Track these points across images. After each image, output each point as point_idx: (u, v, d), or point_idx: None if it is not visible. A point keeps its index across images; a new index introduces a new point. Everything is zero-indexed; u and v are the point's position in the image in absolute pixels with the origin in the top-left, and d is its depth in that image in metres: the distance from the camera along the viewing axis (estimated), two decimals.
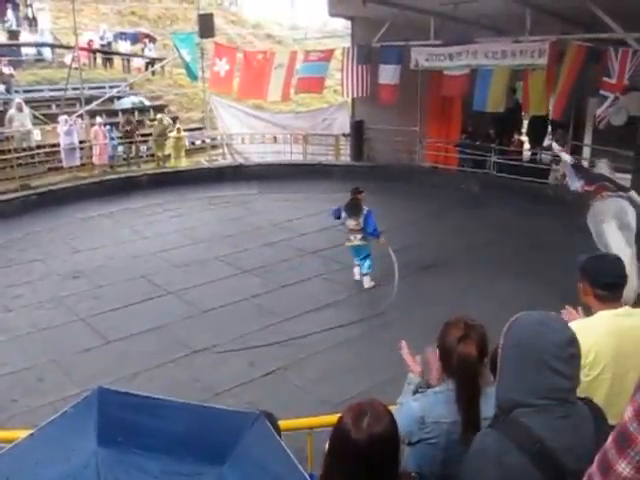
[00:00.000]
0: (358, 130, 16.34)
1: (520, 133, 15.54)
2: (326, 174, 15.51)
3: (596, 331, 2.74)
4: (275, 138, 17.51)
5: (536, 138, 14.92)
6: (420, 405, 2.44)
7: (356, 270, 8.91)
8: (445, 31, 13.17)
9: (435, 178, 14.56)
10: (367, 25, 15.14)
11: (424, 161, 15.72)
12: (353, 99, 16.44)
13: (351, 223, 8.51)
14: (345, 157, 17.16)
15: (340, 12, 16.51)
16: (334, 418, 1.91)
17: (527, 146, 15.34)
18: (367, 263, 8.68)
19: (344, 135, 17.10)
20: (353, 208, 8.48)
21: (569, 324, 2.00)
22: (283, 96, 16.26)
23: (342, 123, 17.48)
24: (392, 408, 2.44)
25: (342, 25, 22.78)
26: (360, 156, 16.47)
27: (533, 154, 14.76)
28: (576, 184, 9.39)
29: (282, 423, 2.71)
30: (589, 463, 1.55)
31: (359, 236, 8.51)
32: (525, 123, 15.44)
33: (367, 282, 8.71)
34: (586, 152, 13.13)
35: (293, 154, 17.07)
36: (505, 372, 1.89)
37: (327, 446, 1.90)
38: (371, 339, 7.17)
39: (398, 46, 14.08)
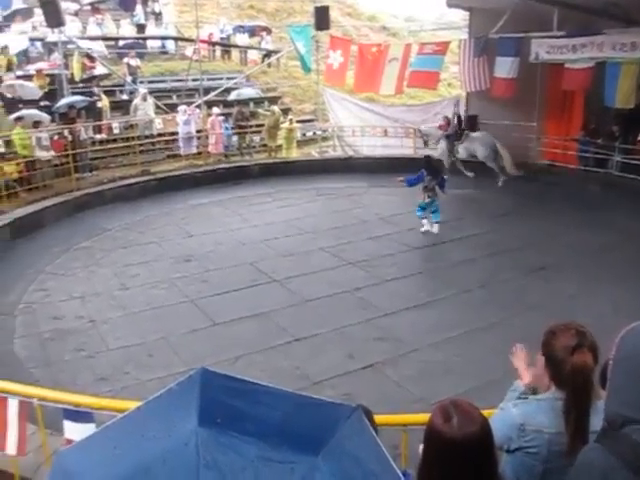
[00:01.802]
0: (472, 125, 15.92)
1: None
2: None
3: None
4: (386, 131, 17.42)
5: None
6: (520, 412, 2.35)
7: (425, 222, 10.76)
8: (569, 22, 12.53)
9: (552, 176, 13.94)
10: (485, 16, 14.70)
11: (540, 158, 15.09)
12: (468, 93, 16.06)
13: (432, 183, 10.49)
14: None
15: (458, 3, 16.15)
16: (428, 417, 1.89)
17: None
18: (438, 214, 10.66)
19: None
20: (436, 171, 10.64)
21: None
22: (396, 89, 16.15)
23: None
24: (490, 412, 2.37)
25: (459, 16, 22.27)
26: None
27: None
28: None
29: (377, 418, 2.70)
30: None
31: (431, 193, 10.55)
32: None
33: (437, 229, 10.61)
34: None
35: (403, 148, 16.93)
36: (616, 385, 1.78)
37: (422, 446, 1.89)
38: (471, 341, 6.98)
39: (517, 38, 13.57)
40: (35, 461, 3.93)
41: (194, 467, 1.39)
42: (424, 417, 3.32)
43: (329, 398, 1.69)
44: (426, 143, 15.11)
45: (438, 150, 14.30)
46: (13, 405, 3.09)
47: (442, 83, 19.62)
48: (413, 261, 9.59)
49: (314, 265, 9.44)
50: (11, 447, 3.24)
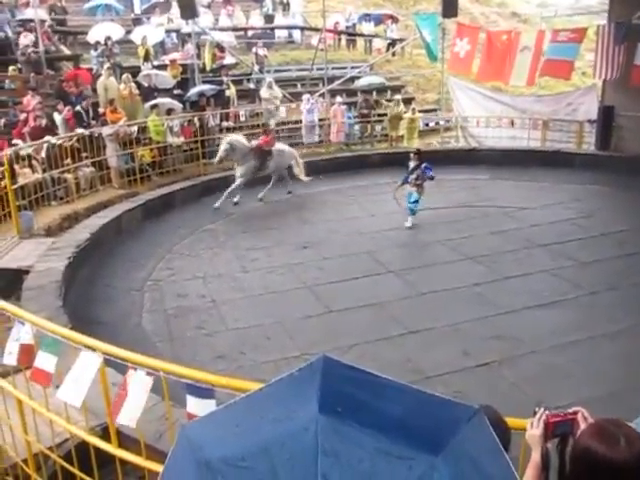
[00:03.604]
0: (607, 117, 14.96)
1: None
2: (565, 163, 14.52)
3: None
4: (512, 122, 16.76)
5: None
6: None
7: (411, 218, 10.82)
8: None
9: None
10: None
11: None
12: (604, 83, 15.08)
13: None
14: (588, 146, 15.87)
15: None
16: None
17: None
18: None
19: (589, 122, 15.79)
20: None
21: None
22: (528, 80, 15.51)
23: (588, 109, 16.15)
24: None
25: (597, 0, 20.97)
26: (607, 146, 15.10)
27: None
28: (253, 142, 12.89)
29: None
30: None
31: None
32: None
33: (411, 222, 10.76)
34: None
35: (530, 140, 16.23)
36: None
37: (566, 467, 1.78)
38: (595, 347, 6.56)
39: None
40: (157, 429, 4.16)
41: (313, 452, 1.40)
42: None
43: (445, 395, 1.63)
44: (221, 160, 12.43)
45: (242, 169, 12.26)
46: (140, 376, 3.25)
47: (576, 72, 18.52)
48: (536, 258, 9.18)
49: (431, 258, 9.30)
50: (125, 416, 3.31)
